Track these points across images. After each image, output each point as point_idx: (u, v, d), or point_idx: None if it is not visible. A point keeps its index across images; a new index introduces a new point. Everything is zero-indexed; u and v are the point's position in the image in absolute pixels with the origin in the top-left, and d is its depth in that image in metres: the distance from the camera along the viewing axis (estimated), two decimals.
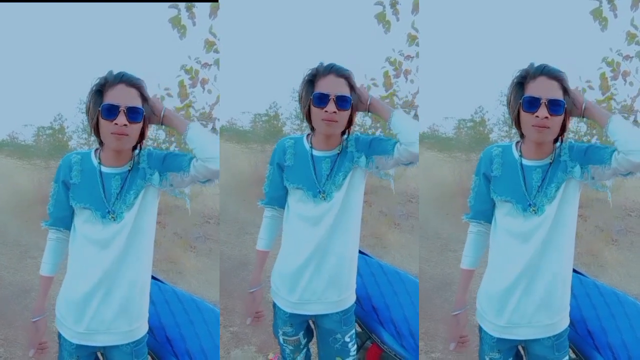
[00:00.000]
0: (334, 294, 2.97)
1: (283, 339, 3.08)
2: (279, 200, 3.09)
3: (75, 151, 2.89)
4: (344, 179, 2.94)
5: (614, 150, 2.64)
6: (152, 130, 2.96)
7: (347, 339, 3.01)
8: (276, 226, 3.14)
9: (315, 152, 2.96)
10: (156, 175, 2.78)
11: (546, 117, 2.61)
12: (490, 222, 2.86)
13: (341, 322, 3.00)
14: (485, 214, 2.86)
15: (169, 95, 5.20)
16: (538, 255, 2.69)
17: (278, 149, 3.07)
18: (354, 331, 3.05)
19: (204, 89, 5.32)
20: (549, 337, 2.73)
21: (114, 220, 2.74)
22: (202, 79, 5.33)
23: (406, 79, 5.34)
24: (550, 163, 2.71)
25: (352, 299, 3.03)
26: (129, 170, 2.79)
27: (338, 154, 2.96)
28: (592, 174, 2.70)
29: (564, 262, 2.73)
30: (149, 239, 2.84)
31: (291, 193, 3.01)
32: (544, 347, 2.73)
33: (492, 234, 2.80)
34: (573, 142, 2.76)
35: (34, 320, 2.89)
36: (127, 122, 2.67)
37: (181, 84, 5.30)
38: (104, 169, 2.78)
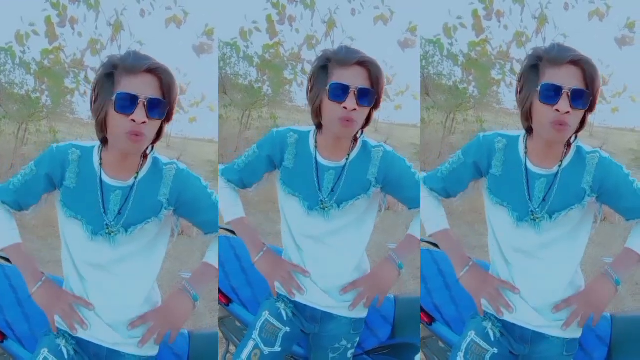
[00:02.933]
0: (346, 298, 2.71)
1: (263, 322, 2.72)
2: (245, 184, 2.81)
3: (74, 143, 2.43)
4: (350, 203, 2.65)
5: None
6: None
7: (349, 346, 2.74)
8: (238, 195, 2.82)
9: (320, 159, 2.65)
10: (170, 213, 2.45)
11: (567, 112, 2.30)
12: (447, 198, 2.65)
13: (351, 325, 2.74)
14: (449, 193, 2.64)
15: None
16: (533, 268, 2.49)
17: (276, 141, 2.71)
18: (358, 339, 2.79)
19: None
20: (560, 339, 2.49)
21: (108, 242, 2.38)
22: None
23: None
24: (557, 174, 2.43)
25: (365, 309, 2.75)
26: (132, 187, 2.38)
27: (343, 167, 2.64)
28: (602, 210, 2.49)
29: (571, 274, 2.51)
30: (151, 272, 2.49)
31: (283, 197, 2.72)
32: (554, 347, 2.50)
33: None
34: (605, 165, 2.43)
35: (35, 288, 2.41)
36: (146, 119, 2.25)
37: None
38: (105, 178, 2.38)
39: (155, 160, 2.43)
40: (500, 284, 2.52)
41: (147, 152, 2.41)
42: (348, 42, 4.89)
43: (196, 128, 5.19)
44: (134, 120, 2.23)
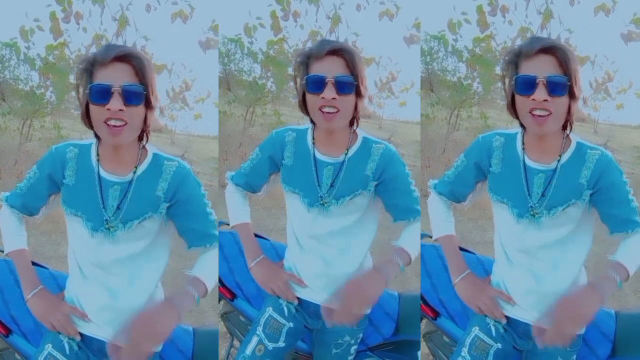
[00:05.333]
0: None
1: (267, 318, 2.71)
2: (253, 187, 2.80)
3: (72, 142, 2.43)
4: (349, 198, 2.62)
5: (627, 230, 2.41)
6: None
7: (352, 342, 2.72)
8: (247, 200, 2.82)
9: (318, 155, 2.63)
10: (164, 209, 2.39)
11: (545, 100, 2.28)
12: (457, 202, 2.64)
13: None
14: (457, 196, 2.64)
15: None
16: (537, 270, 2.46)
17: (276, 141, 2.71)
18: (361, 335, 2.77)
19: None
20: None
21: (108, 239, 2.34)
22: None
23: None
24: (555, 169, 2.40)
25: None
26: (131, 182, 2.35)
27: (342, 162, 2.61)
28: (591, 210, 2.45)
29: (575, 274, 2.47)
30: (155, 269, 2.44)
31: (286, 196, 2.70)
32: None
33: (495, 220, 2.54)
34: (605, 162, 2.39)
35: (31, 295, 2.41)
36: (123, 107, 2.22)
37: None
38: (103, 172, 2.36)
39: (156, 156, 2.39)
40: (496, 294, 2.53)
41: (144, 143, 2.37)
42: (353, 37, 4.89)
43: (201, 125, 5.19)
44: (109, 109, 2.22)
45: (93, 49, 4.91)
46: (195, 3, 4.95)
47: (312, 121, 2.62)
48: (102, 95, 2.22)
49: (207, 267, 2.48)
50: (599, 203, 2.43)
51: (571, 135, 2.44)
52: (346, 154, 2.63)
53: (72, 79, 4.94)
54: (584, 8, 4.82)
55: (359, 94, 2.54)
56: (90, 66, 2.27)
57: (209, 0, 4.93)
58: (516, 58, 2.35)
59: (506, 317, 2.53)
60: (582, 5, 4.82)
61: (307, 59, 2.54)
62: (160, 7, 4.96)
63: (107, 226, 2.34)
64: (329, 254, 2.66)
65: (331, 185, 2.61)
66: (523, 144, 2.46)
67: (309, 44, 5.03)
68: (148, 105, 2.29)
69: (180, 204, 2.40)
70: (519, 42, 4.85)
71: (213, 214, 2.48)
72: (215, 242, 2.48)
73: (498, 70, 4.94)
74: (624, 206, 2.43)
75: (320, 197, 2.62)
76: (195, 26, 4.96)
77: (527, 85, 2.29)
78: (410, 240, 2.70)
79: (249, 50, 5.10)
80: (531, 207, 2.43)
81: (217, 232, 2.47)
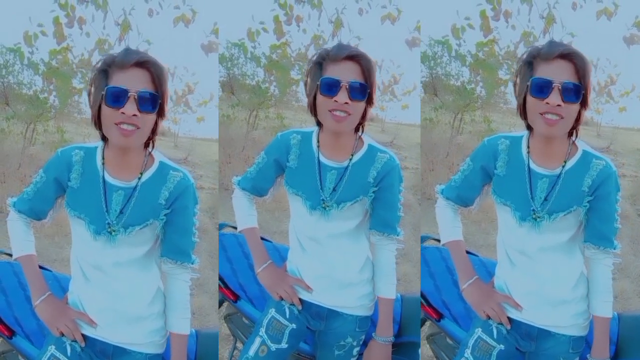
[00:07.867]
0: (351, 297, 2.72)
1: (269, 319, 2.73)
2: (260, 191, 2.82)
3: (78, 145, 2.45)
4: (350, 204, 2.65)
5: (600, 245, 2.43)
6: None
7: (354, 344, 2.74)
8: (253, 205, 2.86)
9: (323, 159, 2.65)
10: (164, 216, 2.40)
11: (558, 105, 2.30)
12: (465, 206, 2.66)
13: (356, 323, 2.74)
14: (465, 200, 2.66)
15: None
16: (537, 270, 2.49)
17: (281, 144, 2.73)
18: (363, 336, 2.78)
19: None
20: (566, 336, 2.50)
21: (110, 243, 2.36)
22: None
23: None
24: (559, 175, 2.43)
25: (371, 307, 2.76)
26: (135, 188, 2.37)
27: (346, 167, 2.64)
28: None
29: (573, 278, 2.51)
30: (155, 273, 2.46)
31: (289, 198, 2.74)
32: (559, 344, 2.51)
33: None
34: (608, 173, 2.41)
35: (39, 302, 2.45)
36: (137, 112, 2.25)
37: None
38: (107, 177, 2.37)
39: (162, 165, 2.41)
40: (504, 300, 2.55)
41: (150, 150, 2.39)
42: (355, 41, 4.89)
43: (203, 128, 5.19)
44: (123, 113, 2.24)
45: (96, 54, 4.92)
46: (198, 7, 4.96)
47: (318, 123, 2.64)
48: (117, 98, 2.24)
49: (177, 313, 2.48)
50: (588, 210, 2.45)
51: (578, 143, 2.45)
52: (350, 160, 2.64)
53: (75, 83, 4.95)
54: (586, 12, 4.82)
55: (369, 102, 2.56)
56: (107, 67, 2.28)
57: (212, 5, 4.93)
58: (532, 59, 2.37)
59: (509, 318, 2.54)
60: (585, 9, 4.82)
61: (322, 60, 2.55)
62: (163, 11, 4.96)
63: (109, 230, 2.35)
64: (330, 257, 2.68)
65: (333, 190, 2.63)
66: (528, 147, 2.46)
67: (312, 48, 5.05)
68: (160, 113, 2.31)
69: (173, 213, 2.41)
70: (521, 46, 4.86)
71: (196, 235, 2.48)
72: (188, 264, 2.45)
73: (501, 74, 4.94)
74: (608, 222, 2.45)
75: (322, 200, 2.63)
76: (198, 30, 4.97)
77: (542, 89, 2.31)
78: (386, 286, 2.74)
79: (252, 54, 5.11)
80: (533, 210, 2.44)
81: (192, 255, 2.46)
